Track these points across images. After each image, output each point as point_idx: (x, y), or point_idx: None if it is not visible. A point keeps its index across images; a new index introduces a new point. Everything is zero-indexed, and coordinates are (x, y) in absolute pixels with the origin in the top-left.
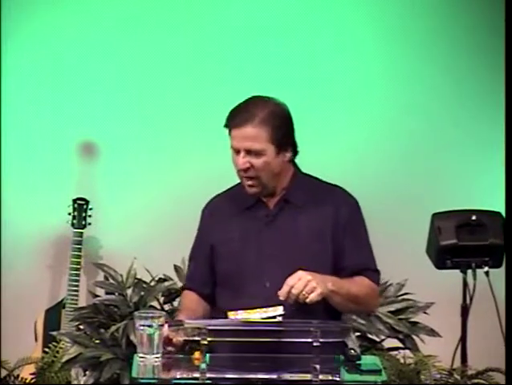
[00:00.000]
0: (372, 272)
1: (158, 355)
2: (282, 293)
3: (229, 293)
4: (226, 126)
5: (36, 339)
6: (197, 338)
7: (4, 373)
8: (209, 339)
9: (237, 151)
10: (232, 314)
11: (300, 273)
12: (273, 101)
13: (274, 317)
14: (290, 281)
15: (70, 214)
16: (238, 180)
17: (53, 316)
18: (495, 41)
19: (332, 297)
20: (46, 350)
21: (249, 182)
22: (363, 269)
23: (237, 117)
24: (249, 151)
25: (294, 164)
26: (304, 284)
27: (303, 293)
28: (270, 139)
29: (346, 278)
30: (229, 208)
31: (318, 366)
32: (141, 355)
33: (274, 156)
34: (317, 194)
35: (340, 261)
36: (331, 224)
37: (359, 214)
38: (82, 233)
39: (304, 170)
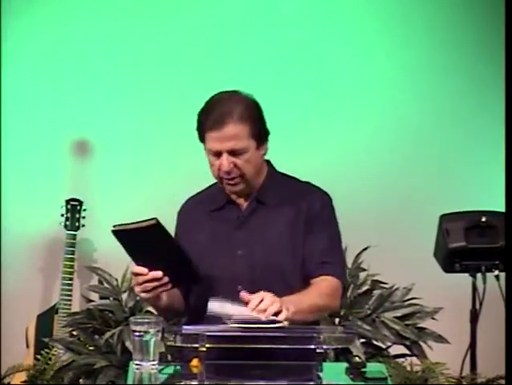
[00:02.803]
0: (337, 266)
1: (154, 362)
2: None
3: (201, 294)
4: (199, 130)
5: (27, 346)
6: (195, 345)
7: None
8: (207, 346)
9: (217, 154)
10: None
11: (266, 294)
12: (241, 94)
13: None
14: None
15: (63, 215)
16: None
17: (45, 322)
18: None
19: (293, 317)
20: (38, 357)
21: (232, 182)
22: (328, 262)
23: (212, 117)
24: (231, 152)
25: (269, 164)
26: (271, 303)
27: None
28: (250, 135)
29: (308, 288)
30: (198, 211)
31: (321, 374)
32: (137, 362)
33: (254, 151)
34: (290, 193)
35: (307, 254)
36: (303, 221)
37: (330, 208)
38: (75, 235)
39: (307, 171)
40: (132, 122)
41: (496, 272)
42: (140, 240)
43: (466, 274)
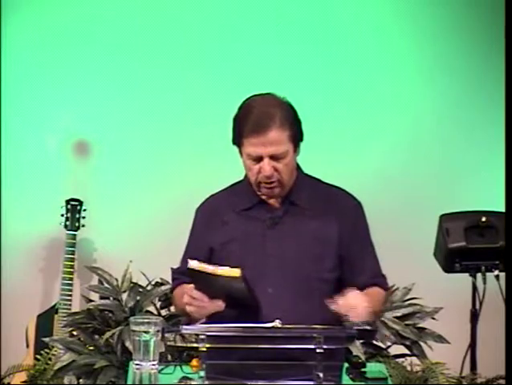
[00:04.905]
0: (382, 278)
1: (154, 362)
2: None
3: None
4: (237, 134)
5: (27, 346)
6: (195, 345)
7: None
8: (207, 346)
9: (257, 159)
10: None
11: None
12: (277, 97)
13: None
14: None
15: (63, 215)
16: (235, 180)
17: (45, 321)
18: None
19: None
20: (38, 357)
21: (271, 185)
22: (376, 278)
23: (253, 122)
24: (272, 156)
25: (297, 165)
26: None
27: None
28: (290, 139)
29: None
30: (227, 209)
31: (321, 374)
32: (137, 362)
33: (292, 155)
34: (321, 196)
35: (352, 272)
36: (336, 228)
37: (364, 218)
38: (75, 235)
39: (307, 169)
40: (132, 122)
41: (496, 272)
42: (214, 280)
43: (466, 274)
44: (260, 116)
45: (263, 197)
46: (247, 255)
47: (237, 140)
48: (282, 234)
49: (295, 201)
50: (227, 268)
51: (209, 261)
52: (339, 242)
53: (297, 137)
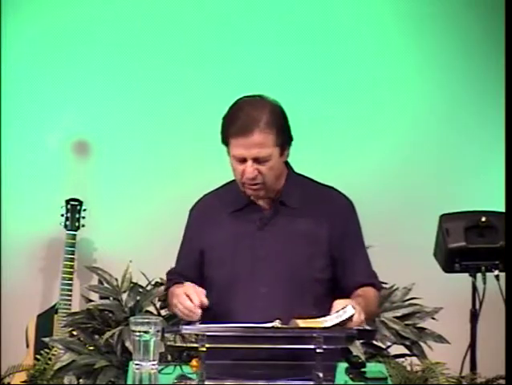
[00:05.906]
0: (376, 278)
1: (154, 362)
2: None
3: (222, 298)
4: (224, 134)
5: (27, 346)
6: (195, 345)
7: None
8: (207, 346)
9: (241, 160)
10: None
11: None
12: (267, 100)
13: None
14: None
15: (63, 215)
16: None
17: (45, 321)
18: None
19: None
20: (38, 357)
21: (255, 187)
22: (371, 278)
23: (238, 124)
24: (256, 159)
25: (287, 165)
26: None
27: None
28: (275, 143)
29: (360, 296)
30: (218, 210)
31: (321, 374)
32: (137, 362)
33: (277, 159)
34: (312, 196)
35: (346, 272)
36: (327, 227)
37: (355, 217)
38: (75, 235)
39: (306, 170)
40: (132, 122)
41: (496, 272)
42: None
43: (466, 274)
44: (245, 119)
45: (252, 198)
46: (238, 256)
47: (224, 140)
48: (273, 235)
49: (285, 202)
50: (344, 309)
51: (200, 263)
52: (329, 242)
53: (283, 141)
